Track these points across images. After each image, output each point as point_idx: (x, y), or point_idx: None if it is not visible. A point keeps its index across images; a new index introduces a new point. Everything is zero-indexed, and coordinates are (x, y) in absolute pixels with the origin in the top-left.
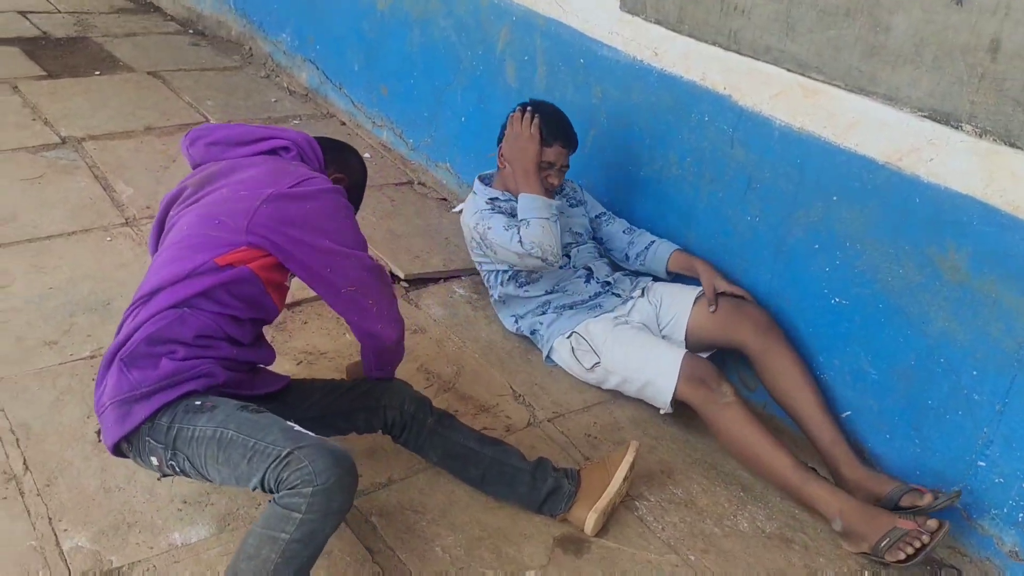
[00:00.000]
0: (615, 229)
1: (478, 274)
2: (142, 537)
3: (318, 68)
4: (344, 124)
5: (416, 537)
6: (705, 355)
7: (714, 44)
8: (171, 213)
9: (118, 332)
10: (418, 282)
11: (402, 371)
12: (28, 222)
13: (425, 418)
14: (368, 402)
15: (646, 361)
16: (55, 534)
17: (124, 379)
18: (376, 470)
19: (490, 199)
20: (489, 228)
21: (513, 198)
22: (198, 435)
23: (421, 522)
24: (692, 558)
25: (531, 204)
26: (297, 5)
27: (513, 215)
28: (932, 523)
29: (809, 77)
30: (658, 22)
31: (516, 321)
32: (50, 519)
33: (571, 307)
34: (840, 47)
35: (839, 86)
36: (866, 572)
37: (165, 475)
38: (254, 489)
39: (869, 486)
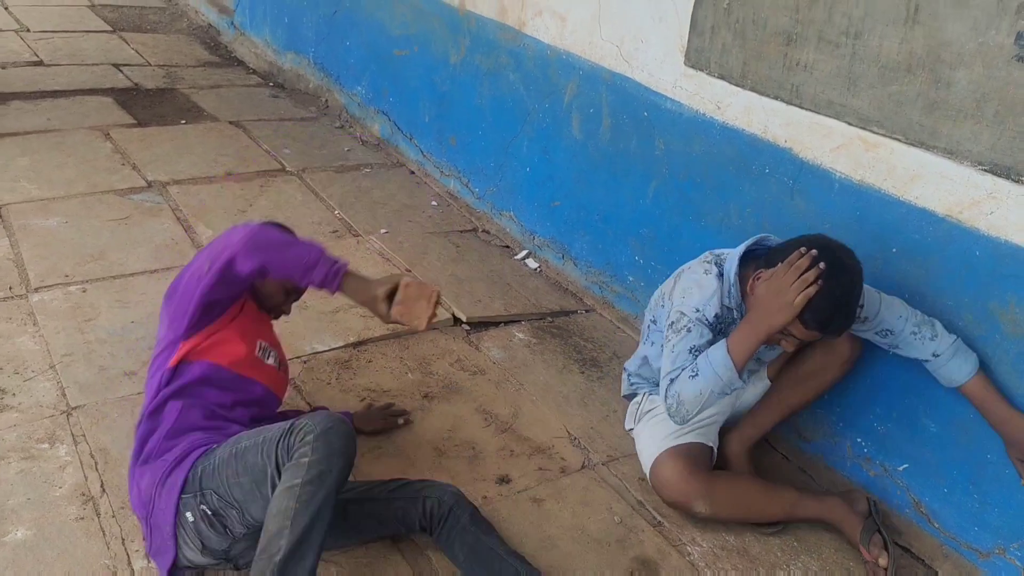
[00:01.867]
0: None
1: (538, 319)
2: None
3: (390, 119)
4: (413, 173)
5: None
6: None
7: (776, 98)
8: None
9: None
10: (479, 325)
11: (461, 411)
12: (115, 260)
13: (462, 514)
14: (408, 492)
15: (643, 454)
16: (127, 554)
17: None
18: None
19: (724, 307)
20: (686, 330)
21: (737, 316)
22: (217, 462)
23: None
24: None
25: (721, 368)
26: (373, 59)
27: (718, 331)
28: (882, 561)
29: (870, 131)
30: (721, 77)
31: (629, 377)
32: (123, 540)
33: None
34: (901, 102)
35: (900, 140)
36: None
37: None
38: (272, 487)
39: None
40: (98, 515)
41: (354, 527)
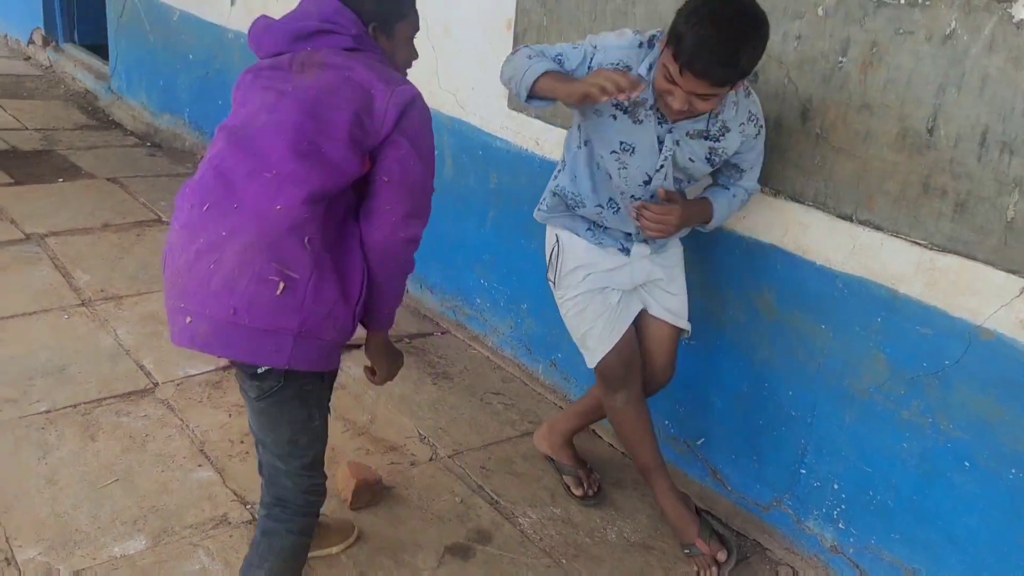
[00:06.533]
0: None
1: (396, 341)
2: (86, 550)
3: None
4: None
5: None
6: None
7: None
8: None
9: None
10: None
11: None
12: None
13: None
14: None
15: (588, 330)
16: (11, 549)
17: None
18: None
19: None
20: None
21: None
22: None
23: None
24: (564, 562)
25: (529, 74)
26: None
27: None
28: (721, 555)
29: None
30: (538, 117)
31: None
32: (7, 538)
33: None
34: None
35: None
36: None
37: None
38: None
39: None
40: None
41: None
